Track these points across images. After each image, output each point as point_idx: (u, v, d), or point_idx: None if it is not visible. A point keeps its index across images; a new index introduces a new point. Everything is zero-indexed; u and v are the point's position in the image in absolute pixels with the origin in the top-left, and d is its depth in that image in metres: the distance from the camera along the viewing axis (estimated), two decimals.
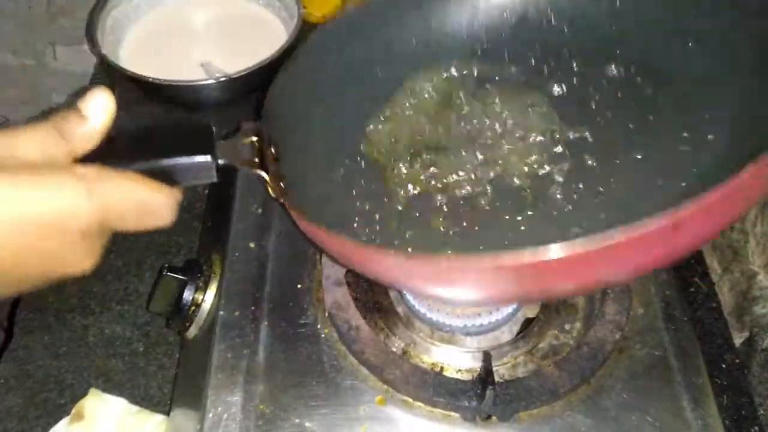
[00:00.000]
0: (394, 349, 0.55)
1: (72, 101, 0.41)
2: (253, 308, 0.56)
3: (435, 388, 0.51)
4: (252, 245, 0.59)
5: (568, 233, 0.48)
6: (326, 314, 0.56)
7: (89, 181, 0.38)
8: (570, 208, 0.51)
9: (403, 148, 0.56)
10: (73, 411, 0.62)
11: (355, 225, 0.52)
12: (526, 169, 0.54)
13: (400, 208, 0.53)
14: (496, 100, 0.57)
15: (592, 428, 0.50)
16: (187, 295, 0.57)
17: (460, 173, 0.54)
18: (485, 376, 0.50)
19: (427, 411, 0.51)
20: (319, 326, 0.55)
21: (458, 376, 0.54)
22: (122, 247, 0.73)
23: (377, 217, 0.53)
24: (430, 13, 0.59)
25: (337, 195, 0.54)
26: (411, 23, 0.59)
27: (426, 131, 0.56)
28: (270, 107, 0.49)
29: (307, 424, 0.50)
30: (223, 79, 0.78)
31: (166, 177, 0.43)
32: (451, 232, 0.51)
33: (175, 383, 0.64)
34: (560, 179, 0.53)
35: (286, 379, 0.52)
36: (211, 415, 0.50)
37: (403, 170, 0.54)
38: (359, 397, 0.52)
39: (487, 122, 0.56)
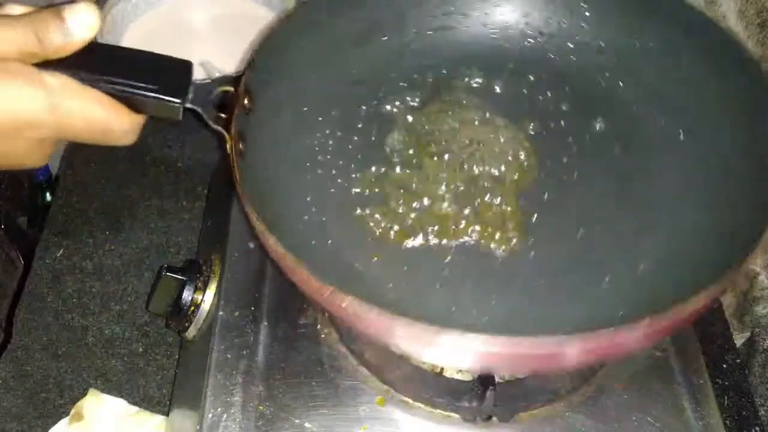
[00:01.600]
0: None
1: (57, 6, 0.41)
2: (252, 308, 0.56)
3: (435, 389, 0.51)
4: (252, 245, 0.59)
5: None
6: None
7: (54, 94, 0.39)
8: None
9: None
10: (73, 411, 0.62)
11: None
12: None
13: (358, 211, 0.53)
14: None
15: (593, 429, 0.50)
16: (187, 295, 0.57)
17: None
18: (485, 377, 0.50)
19: (427, 411, 0.51)
20: (319, 326, 0.55)
21: (458, 376, 0.53)
22: (122, 247, 0.73)
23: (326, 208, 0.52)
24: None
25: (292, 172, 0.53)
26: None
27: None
28: (262, 54, 0.48)
29: (307, 425, 0.50)
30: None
31: (132, 103, 0.43)
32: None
33: (174, 384, 0.64)
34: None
35: (285, 379, 0.52)
36: (210, 415, 0.50)
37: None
38: (359, 397, 0.52)
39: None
